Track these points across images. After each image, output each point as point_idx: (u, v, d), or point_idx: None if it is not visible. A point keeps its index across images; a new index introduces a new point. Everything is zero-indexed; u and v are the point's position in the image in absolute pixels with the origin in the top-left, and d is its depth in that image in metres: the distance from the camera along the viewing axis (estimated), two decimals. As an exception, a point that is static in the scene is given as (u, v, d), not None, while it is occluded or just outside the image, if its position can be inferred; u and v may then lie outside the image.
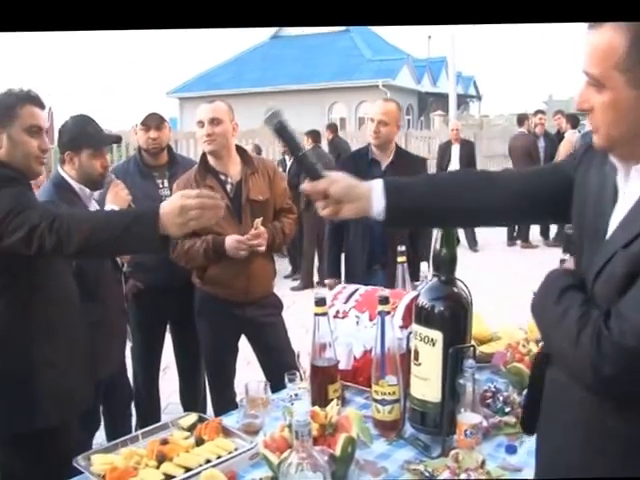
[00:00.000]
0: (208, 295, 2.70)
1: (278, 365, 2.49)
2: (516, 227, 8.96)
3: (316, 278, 6.76)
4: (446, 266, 1.58)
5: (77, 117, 2.49)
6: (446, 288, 1.58)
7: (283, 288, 6.17)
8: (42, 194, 2.39)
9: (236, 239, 2.54)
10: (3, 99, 1.84)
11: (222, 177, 2.65)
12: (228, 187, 2.65)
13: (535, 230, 8.85)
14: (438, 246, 1.57)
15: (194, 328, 2.80)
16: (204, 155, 2.67)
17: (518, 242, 8.88)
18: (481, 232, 9.01)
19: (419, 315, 1.60)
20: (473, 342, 2.09)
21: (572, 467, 1.13)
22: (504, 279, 6.61)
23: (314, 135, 7.33)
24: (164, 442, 1.61)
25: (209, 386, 2.87)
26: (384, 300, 1.69)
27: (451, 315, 1.55)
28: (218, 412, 2.32)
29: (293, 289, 6.51)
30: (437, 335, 1.55)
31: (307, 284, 6.74)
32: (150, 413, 3.02)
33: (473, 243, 8.76)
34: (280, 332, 2.78)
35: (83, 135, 2.40)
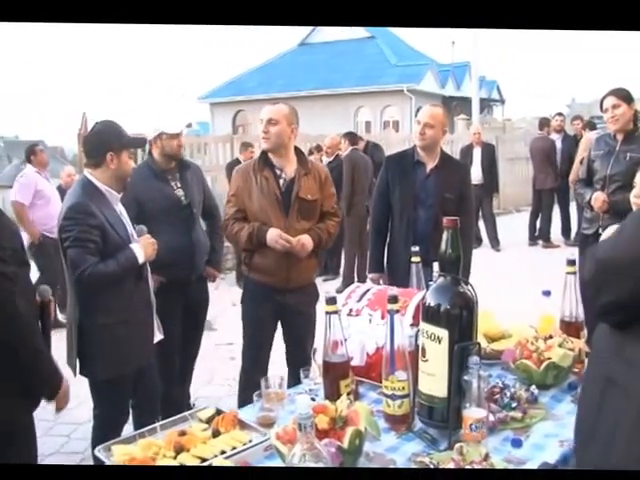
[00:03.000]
0: (253, 281, 2.93)
1: (300, 355, 2.74)
2: (537, 227, 8.94)
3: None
4: (452, 266, 1.63)
5: (104, 122, 2.58)
6: (452, 287, 1.63)
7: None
8: (71, 195, 2.49)
9: (278, 234, 2.76)
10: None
11: (278, 172, 2.87)
12: (281, 182, 2.86)
13: (556, 230, 8.81)
14: (444, 247, 1.62)
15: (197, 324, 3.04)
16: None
17: (540, 242, 8.86)
18: (503, 232, 9.02)
19: (426, 313, 1.65)
20: (483, 339, 2.16)
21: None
22: (525, 278, 6.58)
23: (351, 137, 7.37)
24: (182, 433, 1.68)
25: (242, 371, 3.01)
26: (393, 299, 1.74)
27: (456, 313, 1.60)
28: (246, 398, 2.34)
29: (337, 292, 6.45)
30: (443, 333, 1.60)
31: (349, 284, 6.78)
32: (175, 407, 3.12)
33: (495, 242, 8.77)
34: (309, 324, 2.97)
35: (123, 136, 2.52)
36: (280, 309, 2.92)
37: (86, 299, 2.46)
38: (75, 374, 2.51)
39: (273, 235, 2.76)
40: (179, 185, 3.25)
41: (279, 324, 3.02)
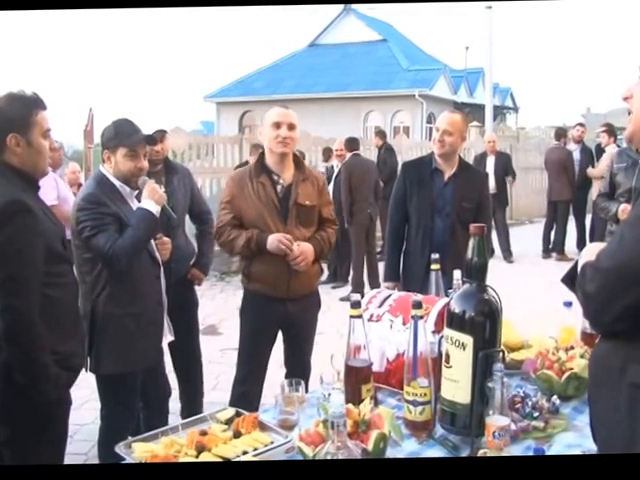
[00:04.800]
0: (252, 291, 2.85)
1: (300, 362, 2.73)
2: (551, 239, 8.88)
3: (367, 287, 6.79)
4: (478, 273, 1.64)
5: (118, 119, 2.61)
6: (477, 294, 1.63)
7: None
8: (84, 188, 2.56)
9: (280, 235, 2.69)
10: (17, 106, 1.90)
11: (275, 177, 2.81)
12: (278, 188, 2.80)
13: (571, 242, 8.75)
14: (470, 254, 1.62)
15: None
16: (262, 154, 2.86)
17: (553, 254, 8.79)
18: (516, 243, 8.97)
19: (451, 320, 1.65)
20: (503, 348, 2.15)
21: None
22: (538, 290, 6.57)
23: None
24: (203, 433, 1.69)
25: (235, 383, 2.94)
26: (417, 305, 1.75)
27: (481, 320, 1.61)
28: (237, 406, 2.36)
29: (342, 299, 6.35)
30: (467, 339, 1.60)
31: (358, 292, 6.76)
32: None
33: (508, 254, 8.71)
34: (310, 333, 2.93)
35: (119, 135, 2.52)
36: (281, 319, 2.84)
37: (100, 286, 2.49)
38: (87, 369, 2.52)
39: (274, 238, 2.70)
40: (163, 190, 2.98)
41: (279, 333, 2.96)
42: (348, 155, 7.02)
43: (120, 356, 2.51)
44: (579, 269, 1.36)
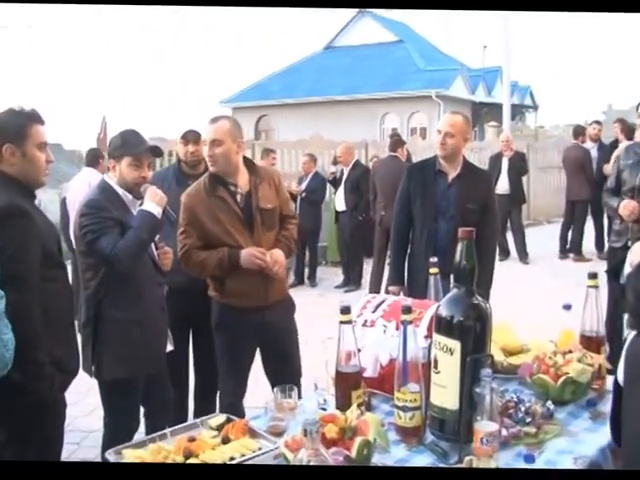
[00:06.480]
0: (228, 307, 2.73)
1: (288, 370, 2.64)
2: (569, 239, 8.74)
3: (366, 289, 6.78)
4: (466, 277, 1.61)
5: (125, 130, 2.65)
6: (465, 299, 1.61)
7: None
8: (87, 196, 2.60)
9: (252, 252, 2.62)
10: (13, 119, 2.02)
11: (232, 188, 2.71)
12: (238, 197, 2.72)
13: (589, 242, 8.60)
14: (458, 258, 1.60)
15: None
16: None
17: (571, 255, 8.64)
18: (533, 244, 8.83)
19: (439, 324, 1.64)
20: (501, 353, 2.12)
21: None
22: (553, 292, 6.47)
23: (393, 142, 7.32)
24: (191, 439, 1.69)
25: (221, 396, 2.88)
26: (407, 310, 1.73)
27: (469, 325, 1.58)
28: None
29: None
30: (455, 344, 1.58)
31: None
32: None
33: (523, 255, 8.57)
34: (293, 337, 2.86)
35: (124, 144, 2.56)
36: (259, 329, 2.73)
37: (103, 292, 2.50)
38: (91, 375, 2.54)
39: (247, 254, 2.61)
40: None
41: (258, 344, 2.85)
42: (384, 156, 6.94)
43: (122, 361, 2.51)
44: (627, 265, 1.39)
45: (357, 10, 24.21)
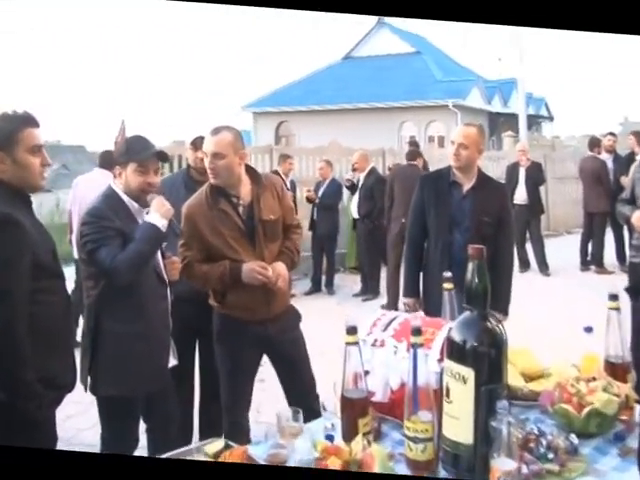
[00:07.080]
0: (229, 318, 2.67)
1: (300, 381, 2.58)
2: (589, 251, 8.56)
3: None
4: (478, 299, 1.48)
5: (131, 136, 2.61)
6: (479, 322, 1.47)
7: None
8: (91, 203, 2.52)
9: (253, 267, 2.55)
10: (2, 125, 1.96)
11: (234, 200, 2.64)
12: (240, 209, 2.64)
13: (611, 254, 8.39)
14: (470, 278, 1.46)
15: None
16: None
17: (592, 267, 8.45)
18: (552, 255, 8.65)
19: (450, 349, 1.50)
20: (520, 378, 1.98)
21: None
22: (576, 306, 6.29)
23: (409, 152, 7.26)
24: (185, 470, 1.57)
25: (224, 412, 2.78)
26: (417, 331, 1.59)
27: (483, 352, 1.45)
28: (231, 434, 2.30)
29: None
30: (469, 372, 1.45)
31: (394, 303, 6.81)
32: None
33: (544, 267, 8.40)
34: (301, 347, 2.77)
35: (129, 150, 2.50)
36: (262, 341, 2.68)
37: (104, 303, 2.42)
38: (86, 389, 2.45)
39: (249, 269, 2.55)
40: None
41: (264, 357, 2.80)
42: (403, 164, 6.95)
43: (119, 379, 2.41)
44: None
45: (375, 21, 24.40)
